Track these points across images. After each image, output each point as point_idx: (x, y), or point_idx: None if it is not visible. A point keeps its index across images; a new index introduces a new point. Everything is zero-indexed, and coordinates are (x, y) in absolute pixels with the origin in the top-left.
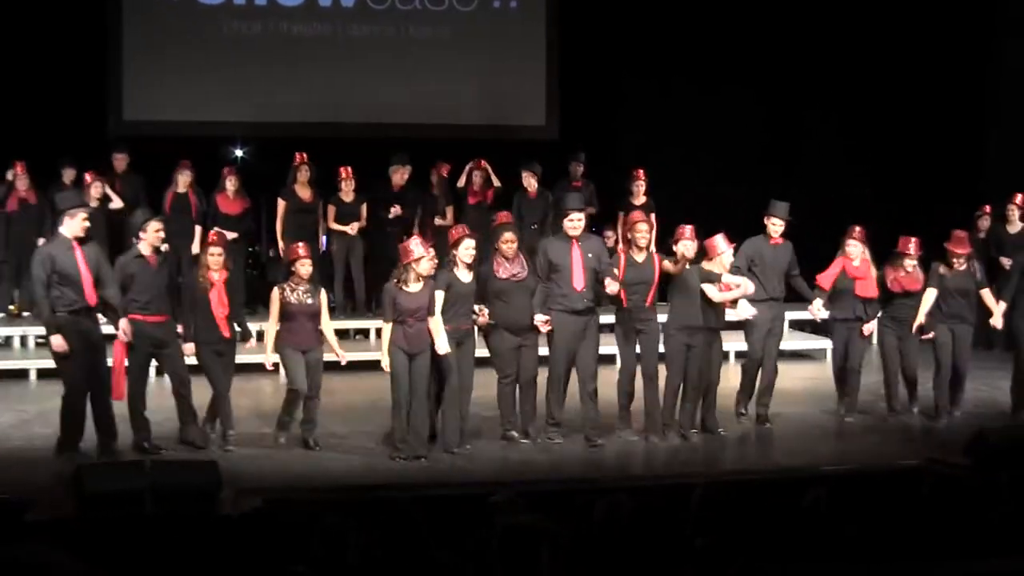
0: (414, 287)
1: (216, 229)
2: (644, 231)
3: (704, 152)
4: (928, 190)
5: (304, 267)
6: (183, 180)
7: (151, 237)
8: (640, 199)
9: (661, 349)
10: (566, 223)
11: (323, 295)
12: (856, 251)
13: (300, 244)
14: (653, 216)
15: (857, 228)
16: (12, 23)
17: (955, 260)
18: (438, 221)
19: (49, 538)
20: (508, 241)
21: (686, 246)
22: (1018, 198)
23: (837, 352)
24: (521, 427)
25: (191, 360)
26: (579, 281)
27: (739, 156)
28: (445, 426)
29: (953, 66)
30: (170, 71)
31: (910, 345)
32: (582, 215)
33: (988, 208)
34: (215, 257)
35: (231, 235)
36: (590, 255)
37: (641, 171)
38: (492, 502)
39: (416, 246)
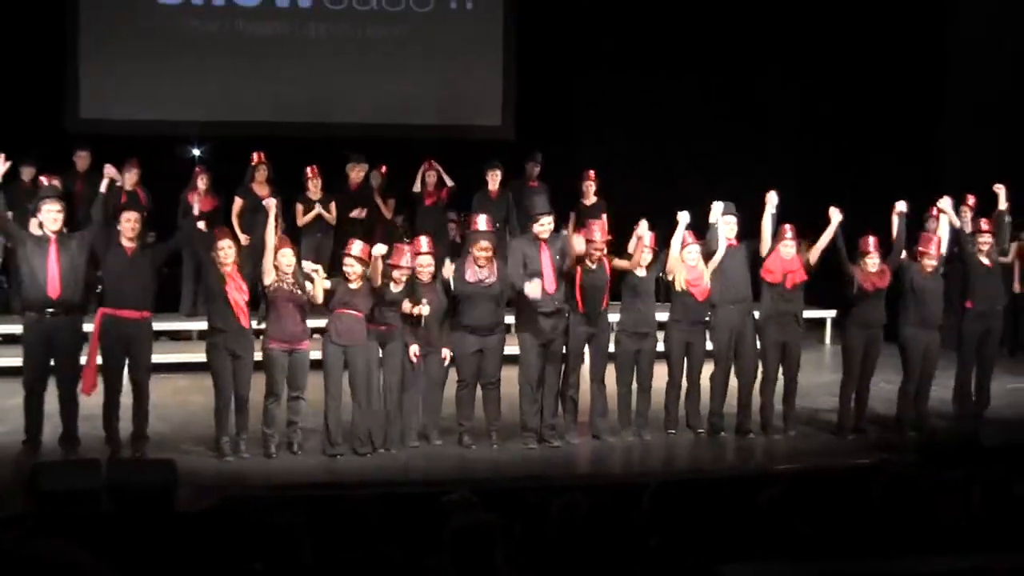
0: (355, 284)
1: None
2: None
3: (660, 150)
4: (884, 191)
5: (284, 258)
6: (130, 178)
7: (123, 228)
8: (591, 199)
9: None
10: (536, 227)
11: (314, 282)
12: (789, 252)
13: (281, 237)
14: (605, 216)
15: (788, 227)
16: None
17: (927, 261)
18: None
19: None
20: (483, 249)
21: (643, 252)
22: (970, 200)
23: (770, 354)
24: (485, 430)
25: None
26: (550, 284)
27: (696, 153)
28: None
29: (908, 67)
30: (127, 70)
31: (875, 351)
32: (551, 218)
33: (936, 211)
34: (225, 251)
35: (203, 227)
36: (558, 257)
37: (592, 172)
38: (446, 501)
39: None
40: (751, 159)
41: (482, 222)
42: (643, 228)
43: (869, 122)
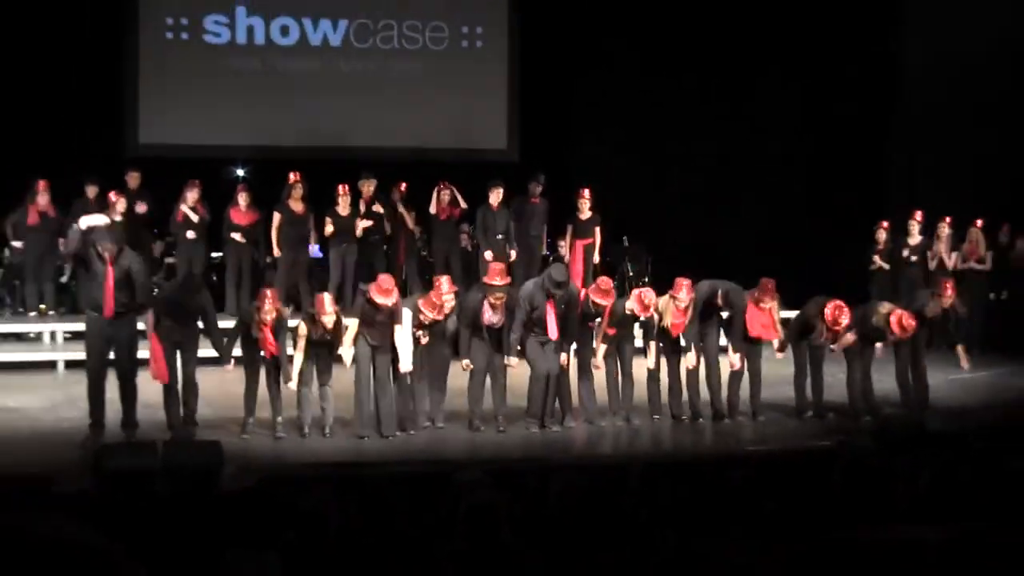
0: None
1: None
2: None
3: (648, 166)
4: (833, 210)
5: (328, 319)
6: (192, 196)
7: None
8: (585, 214)
9: None
10: (551, 290)
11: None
12: (768, 306)
13: (326, 297)
14: (598, 229)
15: (771, 283)
16: (40, 59)
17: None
18: (412, 226)
19: (71, 511)
20: (498, 299)
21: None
22: (918, 215)
23: (738, 351)
24: (493, 415)
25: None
26: (553, 332)
27: (676, 178)
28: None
29: (858, 95)
30: (181, 101)
31: (819, 351)
32: (564, 290)
33: (886, 224)
34: (263, 312)
35: (240, 239)
36: (562, 306)
37: (586, 190)
38: (458, 480)
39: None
40: (721, 180)
41: (498, 276)
42: (644, 311)
43: (826, 148)
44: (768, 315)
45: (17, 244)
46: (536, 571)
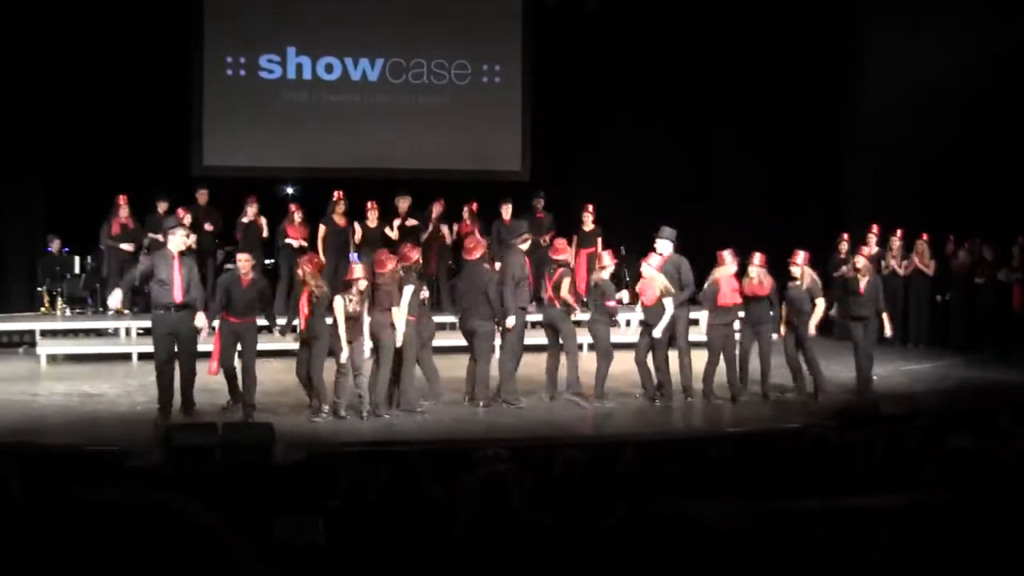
0: (387, 288)
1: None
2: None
3: (638, 189)
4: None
5: (360, 283)
6: (251, 211)
7: (240, 265)
8: (589, 226)
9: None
10: (520, 244)
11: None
12: (728, 271)
13: (357, 266)
14: (600, 239)
15: (721, 253)
16: (121, 94)
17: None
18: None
19: (144, 482)
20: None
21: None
22: (875, 228)
23: (715, 346)
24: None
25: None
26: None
27: (665, 195)
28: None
29: (819, 115)
30: (239, 128)
31: (765, 340)
32: (527, 240)
33: (847, 235)
34: (302, 269)
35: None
36: (534, 267)
37: (590, 205)
38: (481, 455)
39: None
40: (707, 196)
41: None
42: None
43: (783, 169)
44: (734, 279)
45: (127, 247)
46: (542, 534)
